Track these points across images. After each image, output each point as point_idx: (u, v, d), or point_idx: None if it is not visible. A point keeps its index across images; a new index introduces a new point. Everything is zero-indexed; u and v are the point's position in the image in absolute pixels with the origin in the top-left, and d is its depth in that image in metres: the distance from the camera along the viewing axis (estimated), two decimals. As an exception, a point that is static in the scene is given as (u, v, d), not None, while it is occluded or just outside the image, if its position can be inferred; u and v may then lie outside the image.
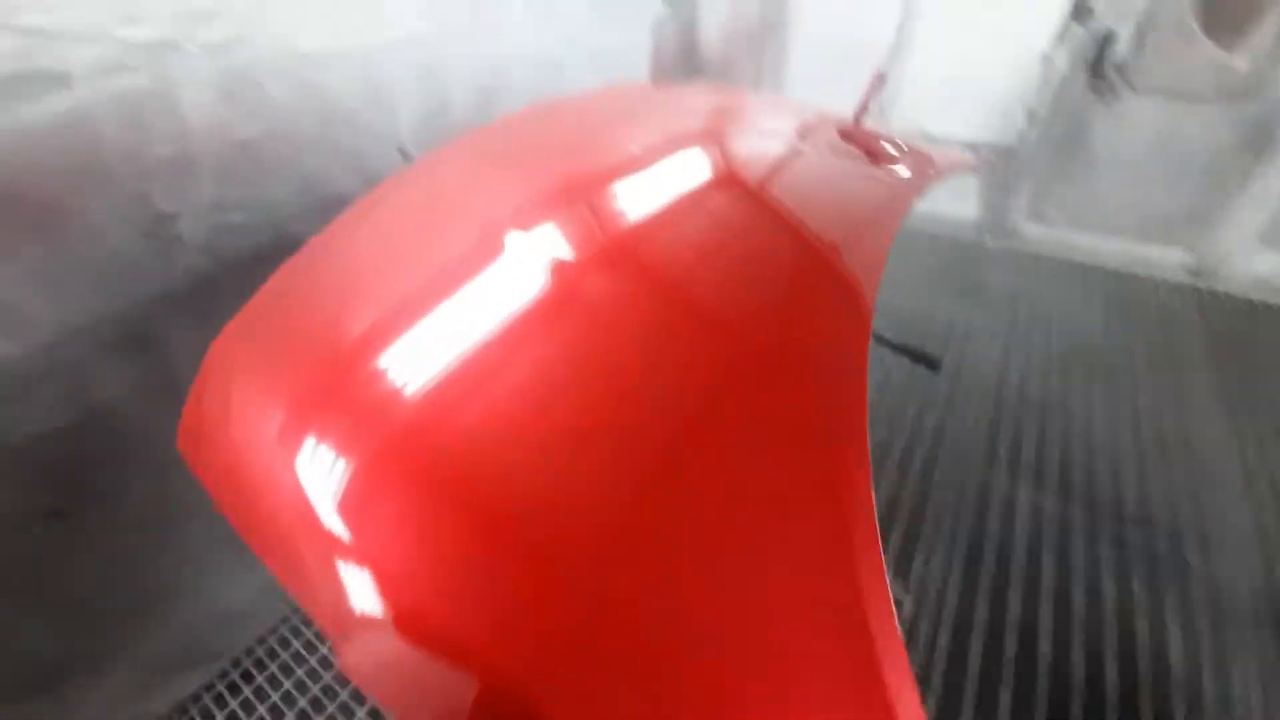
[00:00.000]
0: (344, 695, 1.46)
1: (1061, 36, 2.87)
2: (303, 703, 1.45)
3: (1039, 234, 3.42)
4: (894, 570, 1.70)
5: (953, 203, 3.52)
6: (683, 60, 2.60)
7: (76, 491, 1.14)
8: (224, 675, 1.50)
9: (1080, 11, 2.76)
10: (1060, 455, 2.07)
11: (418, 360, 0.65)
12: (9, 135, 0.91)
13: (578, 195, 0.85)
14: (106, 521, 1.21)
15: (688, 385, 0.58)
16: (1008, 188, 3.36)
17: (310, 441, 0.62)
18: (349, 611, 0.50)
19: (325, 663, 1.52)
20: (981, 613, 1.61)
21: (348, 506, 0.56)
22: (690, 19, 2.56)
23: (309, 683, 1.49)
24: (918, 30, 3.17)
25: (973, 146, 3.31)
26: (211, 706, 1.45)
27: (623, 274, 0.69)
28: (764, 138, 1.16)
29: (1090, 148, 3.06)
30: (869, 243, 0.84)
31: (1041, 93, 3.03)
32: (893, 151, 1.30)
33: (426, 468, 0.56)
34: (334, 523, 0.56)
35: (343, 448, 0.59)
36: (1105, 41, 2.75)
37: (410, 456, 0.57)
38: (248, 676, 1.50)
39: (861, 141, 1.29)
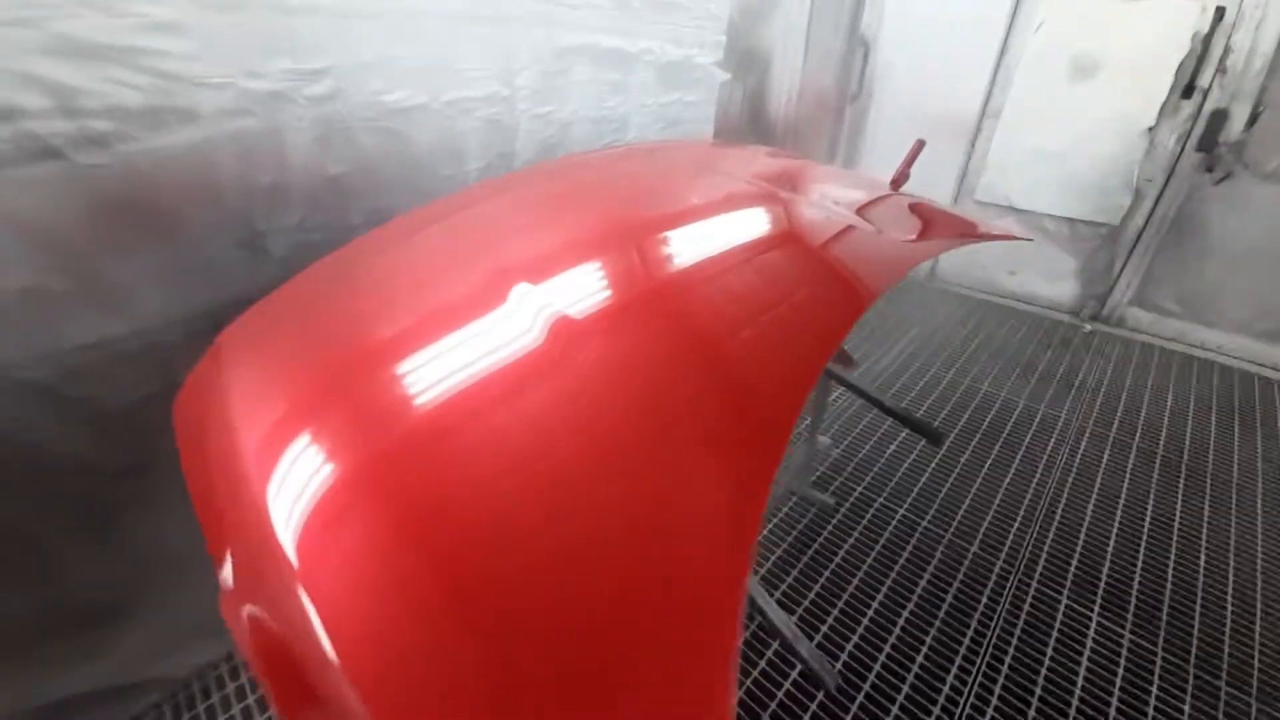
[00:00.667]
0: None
1: (1168, 112, 2.69)
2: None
3: (1144, 321, 3.11)
4: None
5: (1049, 283, 3.31)
6: (750, 124, 2.71)
7: (150, 453, 1.33)
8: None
9: (1189, 89, 2.58)
10: (1151, 585, 1.80)
11: (396, 403, 0.64)
12: (145, 156, 1.15)
13: (577, 255, 0.87)
14: (169, 483, 1.39)
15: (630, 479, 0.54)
16: (1110, 269, 3.11)
17: (283, 463, 0.60)
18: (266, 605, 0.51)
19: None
20: (1015, 731, 1.42)
21: (307, 536, 0.53)
22: (760, 84, 2.68)
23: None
24: (1006, 103, 3.10)
25: (1069, 223, 3.13)
26: (226, 678, 1.57)
27: (607, 350, 0.66)
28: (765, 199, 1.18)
29: (1203, 231, 2.79)
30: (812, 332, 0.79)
31: (1147, 170, 2.83)
32: (920, 216, 1.28)
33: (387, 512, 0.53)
34: (287, 544, 0.53)
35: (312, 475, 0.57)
36: (1216, 120, 2.55)
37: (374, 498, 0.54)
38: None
39: (882, 203, 1.29)
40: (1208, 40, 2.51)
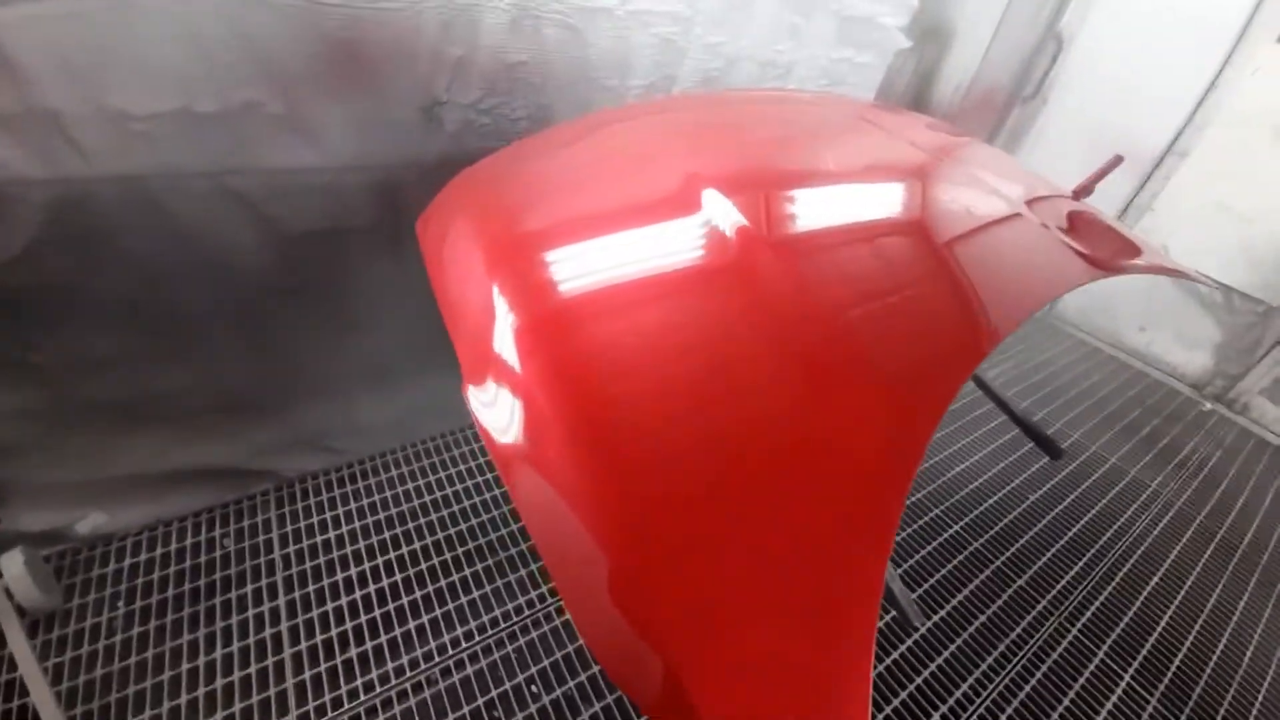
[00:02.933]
0: (427, 519, 1.73)
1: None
2: (389, 512, 1.75)
3: (1269, 415, 2.85)
4: None
5: (1180, 349, 3.06)
6: (912, 102, 2.56)
7: (313, 280, 1.50)
8: (336, 470, 1.85)
9: None
10: (1191, 665, 1.75)
11: (598, 262, 0.77)
12: (365, 8, 1.24)
13: (778, 182, 0.93)
14: (322, 310, 1.57)
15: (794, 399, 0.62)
16: (1253, 352, 2.84)
17: (500, 280, 0.76)
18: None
19: (425, 488, 1.81)
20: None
21: (519, 339, 0.67)
22: (934, 64, 2.52)
23: (405, 498, 1.78)
24: (1197, 145, 2.79)
25: (1226, 291, 2.85)
26: (323, 487, 1.80)
27: (787, 270, 0.72)
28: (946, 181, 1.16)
29: (1380, 336, 2.48)
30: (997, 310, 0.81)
31: (1335, 255, 2.52)
32: (1099, 231, 1.22)
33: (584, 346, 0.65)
34: (506, 347, 0.69)
35: (517, 300, 0.72)
36: None
37: (566, 333, 0.67)
38: (351, 478, 1.84)
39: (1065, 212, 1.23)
40: None
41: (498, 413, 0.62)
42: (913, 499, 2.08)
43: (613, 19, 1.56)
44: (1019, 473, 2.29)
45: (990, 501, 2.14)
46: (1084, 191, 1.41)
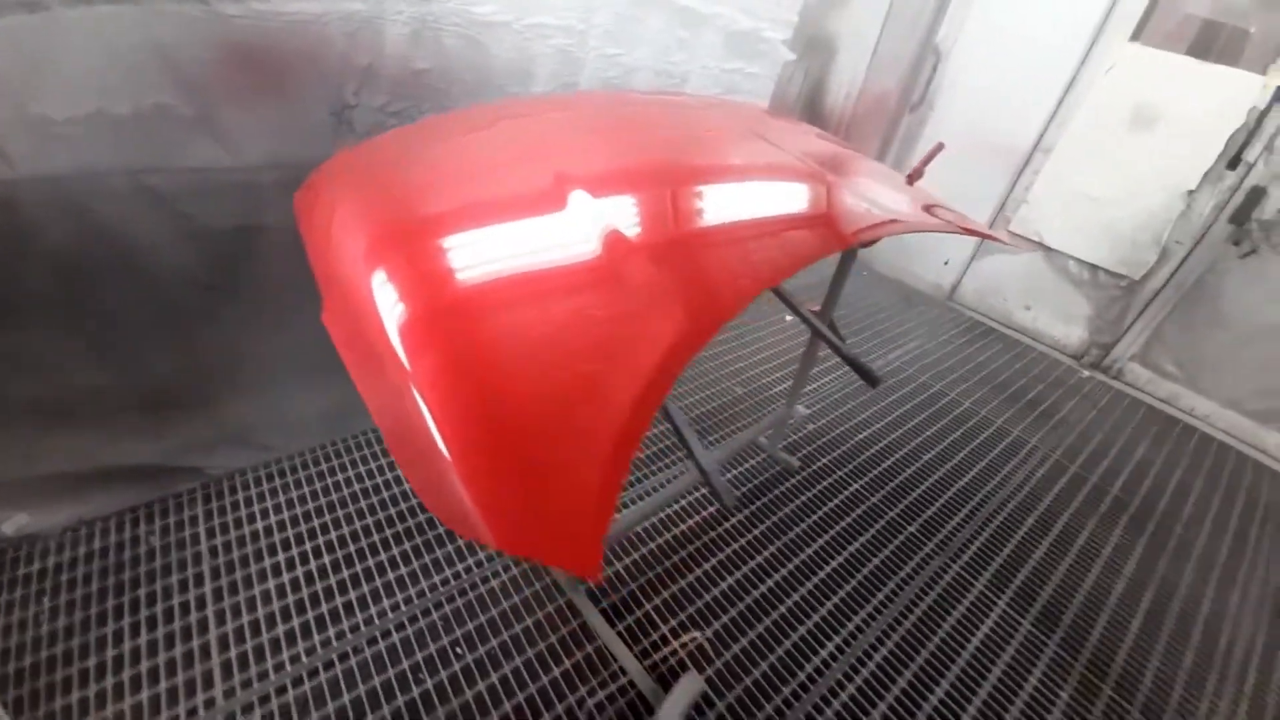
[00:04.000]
0: (356, 506, 1.80)
1: (1211, 179, 2.74)
2: (318, 503, 1.81)
3: (1142, 378, 3.21)
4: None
5: (1060, 324, 3.40)
6: (805, 109, 2.83)
7: (232, 275, 1.57)
8: (265, 466, 1.90)
9: (1235, 161, 2.63)
10: (1062, 594, 1.99)
11: (478, 255, 0.82)
12: (274, 18, 1.35)
13: (639, 184, 1.08)
14: (245, 307, 1.64)
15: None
16: (1121, 322, 3.20)
17: (382, 274, 0.81)
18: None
19: (362, 491, 1.88)
20: None
21: (404, 335, 0.72)
22: (822, 73, 2.79)
23: (335, 489, 1.85)
24: (1060, 140, 3.15)
25: (1092, 269, 3.21)
26: (250, 483, 1.85)
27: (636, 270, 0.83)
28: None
29: (1218, 302, 2.86)
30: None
31: (1179, 231, 2.89)
32: (904, 192, 1.44)
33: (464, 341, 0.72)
34: (388, 340, 0.72)
35: (404, 293, 0.77)
36: (1254, 196, 2.60)
37: (452, 327, 0.73)
38: (280, 473, 1.90)
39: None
40: (1262, 117, 2.55)
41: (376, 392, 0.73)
42: (818, 464, 2.27)
43: (511, 31, 1.72)
44: (915, 436, 2.52)
45: (888, 463, 2.35)
46: (914, 177, 1.64)
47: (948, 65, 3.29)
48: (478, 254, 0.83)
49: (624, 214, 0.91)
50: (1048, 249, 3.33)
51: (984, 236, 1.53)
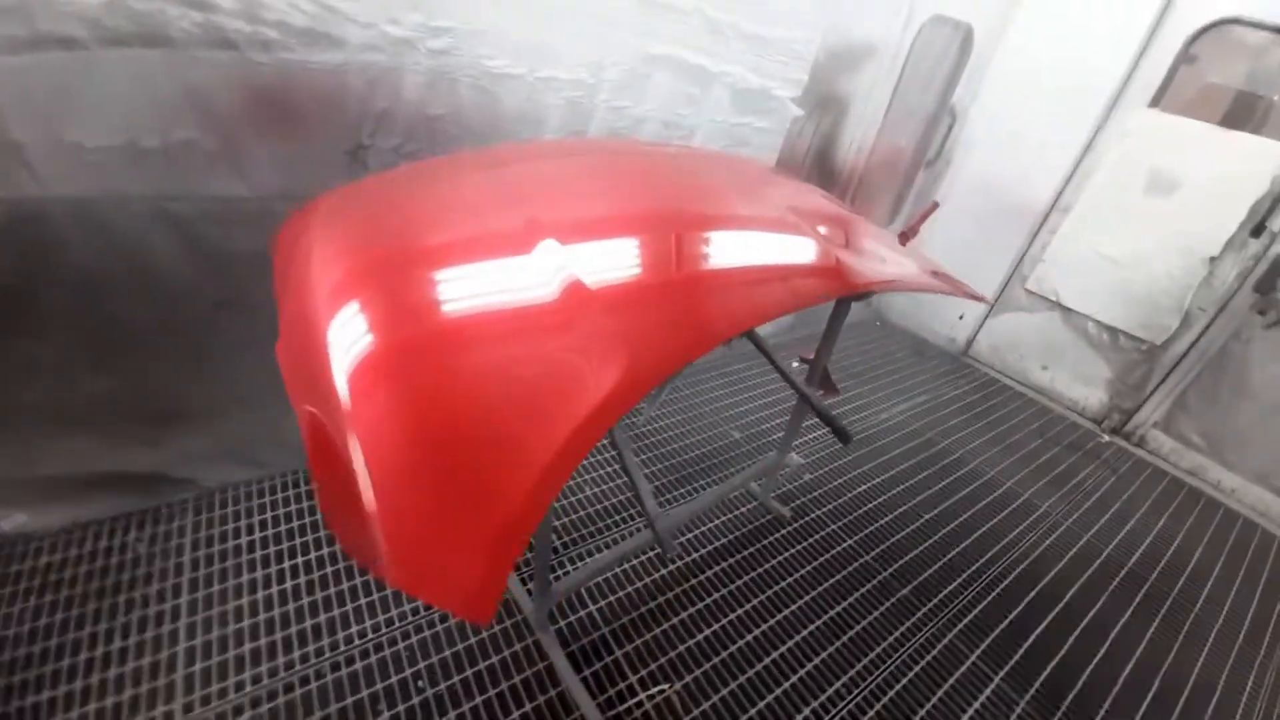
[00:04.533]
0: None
1: (1234, 246, 2.67)
2: (303, 521, 1.84)
3: (1164, 446, 3.07)
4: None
5: (1079, 386, 3.30)
6: (815, 163, 2.88)
7: (244, 295, 1.65)
8: (258, 481, 1.95)
9: (1259, 228, 2.57)
10: (1067, 672, 1.86)
11: (424, 300, 0.84)
12: (297, 65, 1.47)
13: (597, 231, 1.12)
14: (253, 327, 1.71)
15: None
16: (1143, 387, 3.08)
17: (334, 313, 0.81)
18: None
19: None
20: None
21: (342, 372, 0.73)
22: (833, 128, 2.85)
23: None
24: (1079, 200, 3.13)
25: (1112, 332, 3.12)
26: (243, 497, 1.89)
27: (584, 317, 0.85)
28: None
29: (1244, 372, 2.75)
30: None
31: (1201, 298, 2.81)
32: (887, 250, 1.44)
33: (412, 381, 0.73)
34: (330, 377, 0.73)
35: (348, 333, 0.78)
36: (1278, 266, 2.52)
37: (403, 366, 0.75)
38: (271, 489, 1.94)
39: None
40: (1288, 185, 2.50)
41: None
42: (811, 516, 2.22)
43: (523, 83, 1.82)
44: (917, 494, 2.45)
45: (886, 519, 2.28)
46: (908, 235, 1.65)
47: (965, 123, 3.33)
48: (424, 300, 0.85)
49: (584, 261, 0.93)
50: (1066, 309, 3.26)
51: (970, 297, 1.52)
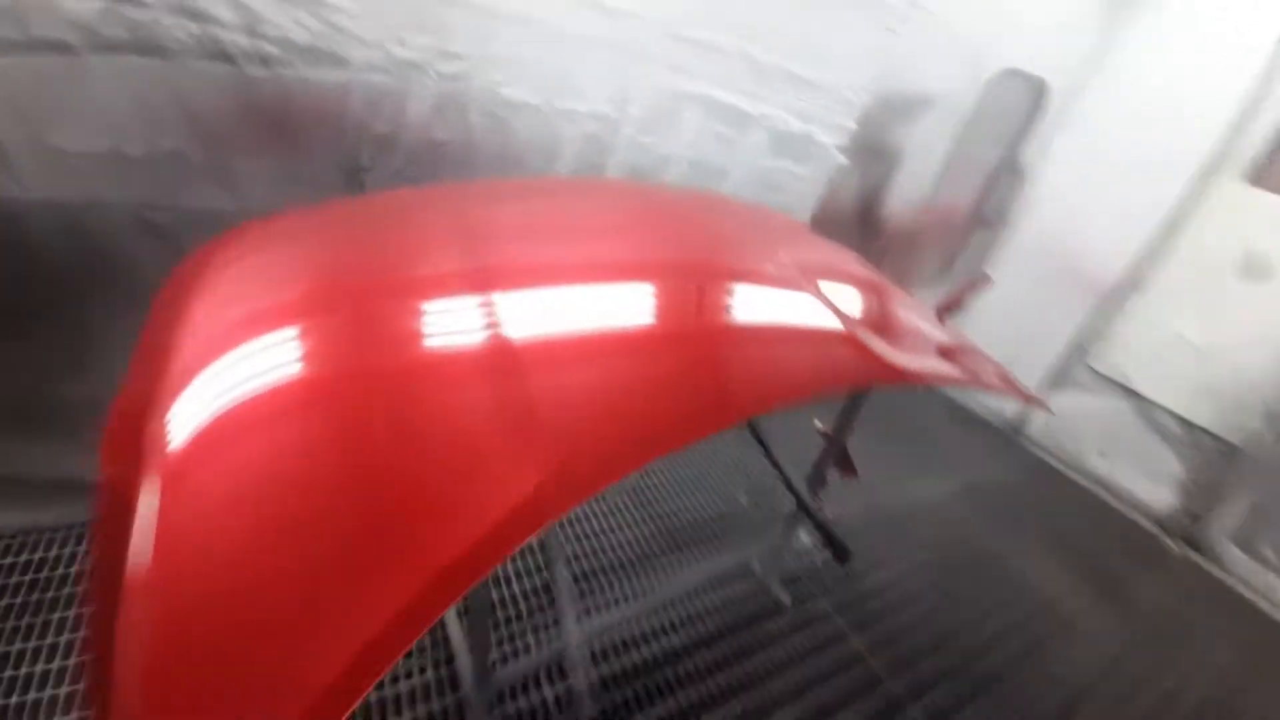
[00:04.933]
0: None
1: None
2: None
3: (1238, 563, 2.67)
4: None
5: (1143, 482, 2.94)
6: (858, 215, 2.68)
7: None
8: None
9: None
10: None
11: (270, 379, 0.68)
12: (297, 82, 1.40)
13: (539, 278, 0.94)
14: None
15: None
16: (1218, 493, 2.71)
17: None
18: None
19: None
20: None
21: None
22: (881, 180, 2.65)
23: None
24: (1157, 277, 2.81)
25: (1188, 427, 2.77)
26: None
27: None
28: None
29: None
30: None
31: (1294, 401, 2.45)
32: (942, 334, 1.23)
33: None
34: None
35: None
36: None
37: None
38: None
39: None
40: None
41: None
42: (812, 605, 1.98)
43: (538, 114, 1.72)
44: (940, 593, 2.17)
45: (900, 619, 2.01)
46: (949, 308, 1.44)
47: (1030, 182, 3.07)
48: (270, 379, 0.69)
49: (504, 319, 0.77)
50: (1135, 395, 2.92)
51: (1028, 401, 1.29)
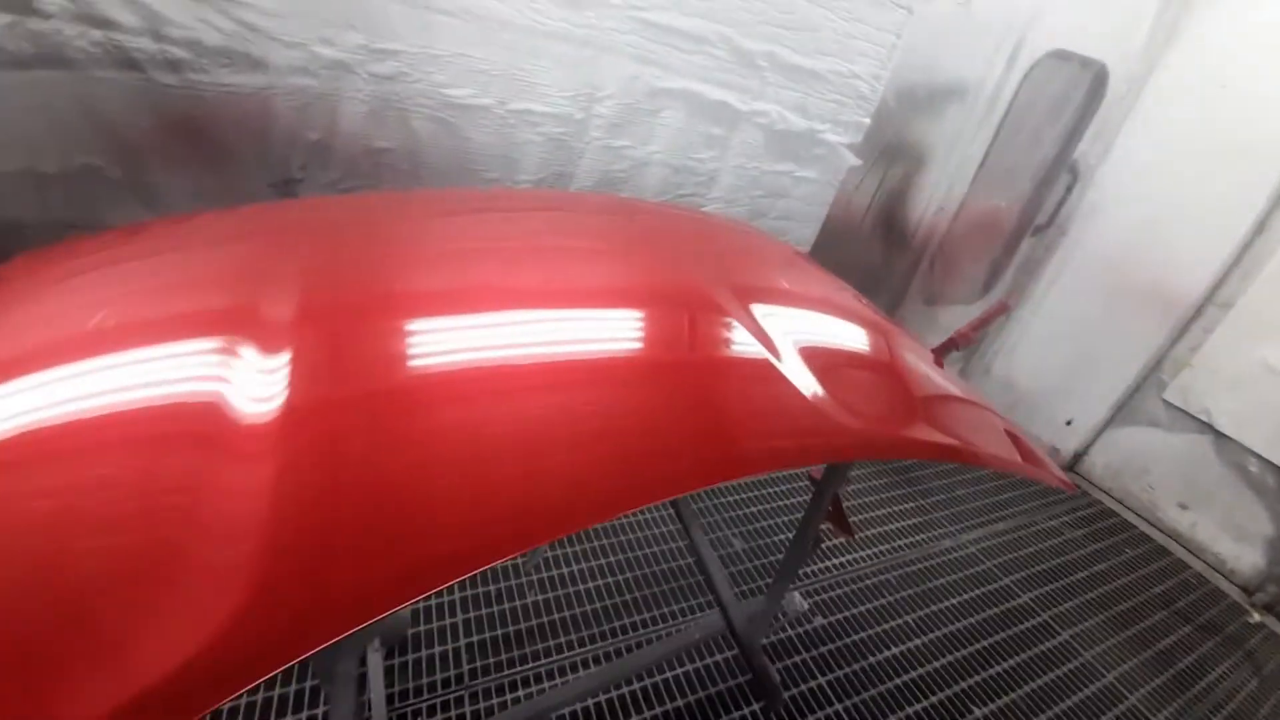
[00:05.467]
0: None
1: None
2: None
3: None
4: None
5: (1227, 539, 2.48)
6: (878, 221, 2.38)
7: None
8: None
9: None
10: None
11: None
12: (212, 89, 1.29)
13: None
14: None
15: None
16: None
17: None
18: None
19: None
20: None
21: None
22: (904, 183, 2.34)
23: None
24: (1244, 295, 2.37)
25: (1277, 473, 2.31)
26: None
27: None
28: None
29: None
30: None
31: None
32: (916, 401, 0.96)
33: None
34: None
35: None
36: None
37: None
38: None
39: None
40: None
41: None
42: (805, 686, 1.70)
43: (491, 116, 1.55)
44: (969, 672, 1.84)
45: (916, 707, 1.70)
46: (954, 346, 1.16)
47: (1090, 184, 2.67)
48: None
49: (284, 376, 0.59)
50: (1218, 434, 2.46)
51: (1054, 483, 1.00)
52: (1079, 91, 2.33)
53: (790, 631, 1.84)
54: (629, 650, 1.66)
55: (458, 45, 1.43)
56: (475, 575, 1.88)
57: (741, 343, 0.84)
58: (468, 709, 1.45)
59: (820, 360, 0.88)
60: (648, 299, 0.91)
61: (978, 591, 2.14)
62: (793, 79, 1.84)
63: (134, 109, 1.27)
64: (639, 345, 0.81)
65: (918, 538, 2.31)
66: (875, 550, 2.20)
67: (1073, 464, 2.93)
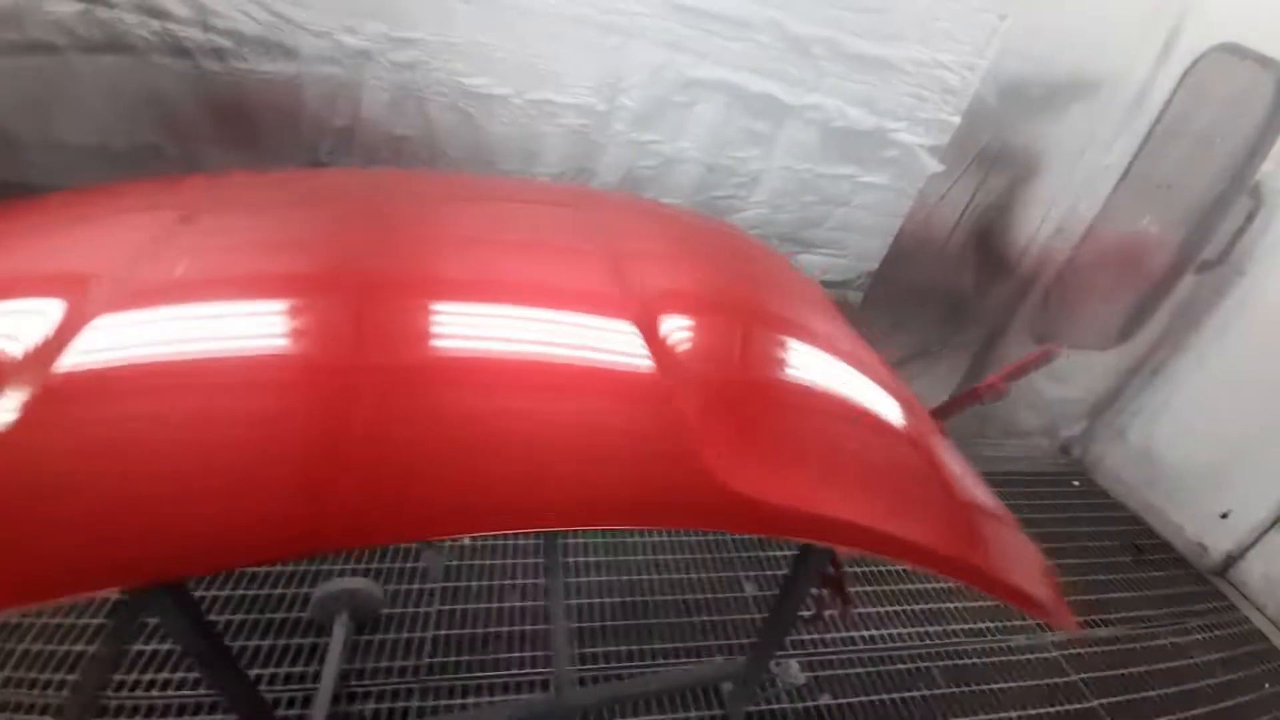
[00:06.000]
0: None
1: None
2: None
3: None
4: None
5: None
6: (969, 243, 2.01)
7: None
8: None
9: None
10: None
11: None
12: (251, 75, 1.39)
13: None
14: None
15: None
16: None
17: None
18: None
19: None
20: None
21: None
22: (1007, 196, 1.95)
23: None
24: None
25: None
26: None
27: None
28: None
29: None
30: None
31: None
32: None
33: None
34: None
35: None
36: None
37: None
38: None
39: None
40: None
41: None
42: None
43: (509, 106, 1.52)
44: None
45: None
46: (986, 394, 0.90)
47: (1274, 216, 2.06)
48: None
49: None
50: None
51: (1058, 626, 0.73)
52: (1261, 97, 1.78)
53: (787, 704, 1.59)
54: (593, 681, 1.53)
55: (473, 32, 1.42)
56: (461, 566, 1.85)
57: (626, 358, 0.70)
58: (414, 703, 1.42)
59: (729, 393, 0.71)
60: (548, 299, 0.80)
61: (1052, 709, 1.71)
62: (857, 69, 1.60)
63: (187, 94, 1.40)
64: (493, 346, 0.70)
65: (982, 624, 1.91)
66: (920, 629, 1.85)
67: (1224, 568, 2.27)
